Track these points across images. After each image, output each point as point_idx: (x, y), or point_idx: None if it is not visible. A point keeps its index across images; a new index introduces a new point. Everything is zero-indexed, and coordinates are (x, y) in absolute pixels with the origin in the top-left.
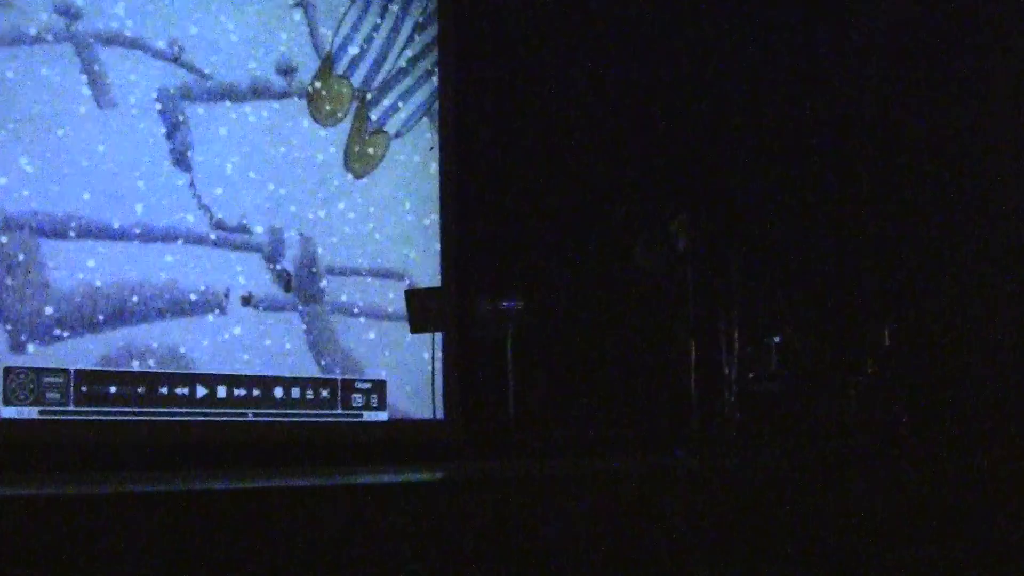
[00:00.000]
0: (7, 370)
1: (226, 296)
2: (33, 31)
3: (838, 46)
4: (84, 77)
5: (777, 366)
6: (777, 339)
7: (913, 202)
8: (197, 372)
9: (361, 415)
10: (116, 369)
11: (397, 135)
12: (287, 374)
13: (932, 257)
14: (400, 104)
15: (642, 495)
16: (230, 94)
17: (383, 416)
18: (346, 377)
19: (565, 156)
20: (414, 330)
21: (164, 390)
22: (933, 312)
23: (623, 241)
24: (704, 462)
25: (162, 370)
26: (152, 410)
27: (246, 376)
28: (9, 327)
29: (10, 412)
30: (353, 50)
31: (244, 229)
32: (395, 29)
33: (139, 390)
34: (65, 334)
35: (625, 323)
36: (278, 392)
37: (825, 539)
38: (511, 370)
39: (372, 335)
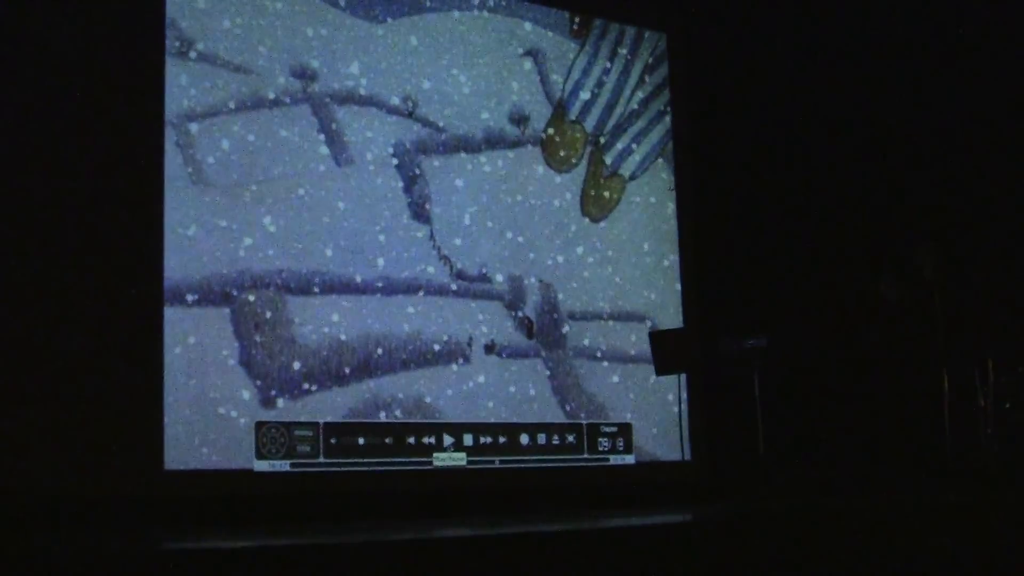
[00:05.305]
0: (259, 424)
1: (469, 345)
2: (272, 95)
3: None
4: (322, 136)
5: None
6: None
7: None
8: (443, 421)
9: (608, 459)
10: (363, 420)
11: (632, 178)
12: (532, 420)
13: None
14: (634, 146)
15: (898, 532)
16: (465, 145)
17: (630, 459)
18: (591, 421)
19: (804, 188)
20: (659, 372)
21: (411, 440)
22: None
23: (868, 273)
24: (963, 496)
25: (408, 420)
26: (400, 459)
27: (492, 423)
28: (259, 383)
29: (263, 466)
30: (584, 95)
31: (484, 278)
32: (625, 72)
33: (387, 440)
34: (313, 388)
35: (873, 356)
36: (524, 439)
37: None
38: (759, 408)
39: (616, 378)
